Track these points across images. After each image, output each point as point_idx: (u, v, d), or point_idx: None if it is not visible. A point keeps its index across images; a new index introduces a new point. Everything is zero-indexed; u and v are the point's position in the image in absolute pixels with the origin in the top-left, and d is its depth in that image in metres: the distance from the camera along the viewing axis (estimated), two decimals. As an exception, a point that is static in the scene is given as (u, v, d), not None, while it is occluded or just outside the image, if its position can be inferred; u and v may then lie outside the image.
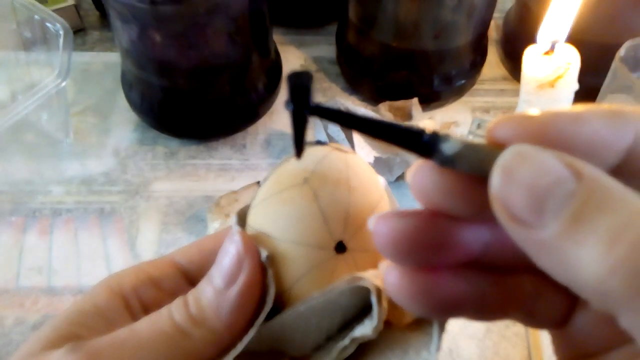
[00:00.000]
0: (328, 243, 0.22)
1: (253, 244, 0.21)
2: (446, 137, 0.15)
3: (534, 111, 0.15)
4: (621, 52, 0.45)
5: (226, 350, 0.21)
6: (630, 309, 0.12)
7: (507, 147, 0.14)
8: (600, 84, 0.48)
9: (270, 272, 0.21)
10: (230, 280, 0.21)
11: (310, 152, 0.22)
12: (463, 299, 0.17)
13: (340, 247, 0.22)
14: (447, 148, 0.15)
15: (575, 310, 0.18)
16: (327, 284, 0.21)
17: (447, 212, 0.16)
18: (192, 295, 0.21)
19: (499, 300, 0.18)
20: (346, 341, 0.21)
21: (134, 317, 0.23)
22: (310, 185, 0.22)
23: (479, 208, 0.15)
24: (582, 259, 0.13)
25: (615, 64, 0.45)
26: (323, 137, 0.46)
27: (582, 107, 0.15)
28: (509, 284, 0.18)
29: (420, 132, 0.15)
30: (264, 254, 0.21)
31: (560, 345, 0.18)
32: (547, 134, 0.14)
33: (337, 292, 0.21)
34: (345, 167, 0.22)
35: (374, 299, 0.20)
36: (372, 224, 0.17)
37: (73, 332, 0.21)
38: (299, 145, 0.18)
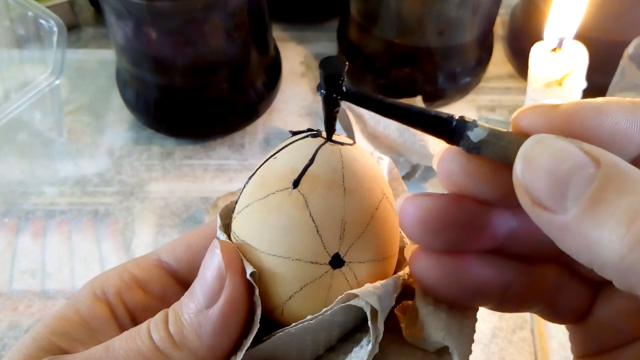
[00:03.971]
0: (322, 257, 0.19)
1: (237, 257, 0.19)
2: (473, 124, 0.16)
3: (557, 101, 0.16)
4: (629, 49, 0.44)
5: None
6: None
7: (532, 135, 0.15)
8: (609, 82, 0.47)
9: (257, 290, 0.19)
10: (212, 298, 0.19)
11: (299, 146, 0.20)
12: (488, 286, 0.18)
13: (337, 261, 0.19)
14: (474, 135, 0.16)
15: (596, 303, 0.18)
16: (324, 300, 0.19)
17: (473, 196, 0.17)
18: (173, 311, 0.20)
19: (523, 290, 0.18)
20: None
21: (120, 324, 0.22)
22: (300, 189, 0.19)
23: (504, 193, 0.16)
24: (603, 239, 0.13)
25: (624, 61, 0.45)
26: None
27: (604, 99, 0.16)
28: (533, 274, 0.18)
29: (449, 119, 0.16)
30: (249, 269, 0.19)
31: (578, 341, 0.19)
32: (570, 125, 0.15)
33: (330, 313, 0.19)
34: (339, 164, 0.20)
35: (370, 323, 0.18)
36: (398, 205, 0.17)
37: (54, 343, 0.20)
38: (330, 128, 0.19)
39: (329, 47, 0.57)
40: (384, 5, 0.47)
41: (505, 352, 0.39)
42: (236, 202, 0.21)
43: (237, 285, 0.19)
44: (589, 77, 0.40)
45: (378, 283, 0.19)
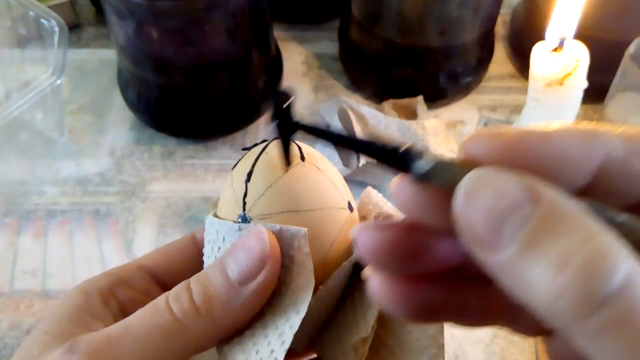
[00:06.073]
0: (343, 203, 0.25)
1: (277, 244, 0.22)
2: (420, 155, 0.16)
3: (507, 127, 0.16)
4: (631, 49, 0.44)
5: (227, 338, 0.21)
6: (577, 331, 0.13)
7: (474, 169, 0.15)
8: (610, 82, 0.47)
9: (306, 248, 0.22)
10: (248, 277, 0.21)
11: (275, 144, 0.25)
12: (443, 306, 0.18)
13: (350, 206, 0.25)
14: (420, 165, 0.16)
15: None
16: (350, 243, 0.24)
17: (425, 224, 0.17)
18: (198, 283, 0.21)
19: (482, 308, 0.18)
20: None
21: (113, 314, 0.24)
22: (309, 161, 0.25)
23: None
24: (534, 281, 0.13)
25: (625, 61, 0.45)
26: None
27: (556, 125, 0.15)
28: (491, 293, 0.18)
29: (395, 149, 0.16)
30: (302, 230, 0.22)
31: (551, 353, 0.19)
32: (517, 152, 0.15)
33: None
34: (307, 146, 0.26)
35: None
36: (355, 233, 0.18)
37: (65, 329, 0.21)
38: (286, 153, 0.22)
39: (330, 47, 0.57)
40: (385, 5, 0.47)
41: (506, 352, 0.39)
42: (244, 197, 0.24)
43: (275, 270, 0.21)
44: (590, 77, 0.40)
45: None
